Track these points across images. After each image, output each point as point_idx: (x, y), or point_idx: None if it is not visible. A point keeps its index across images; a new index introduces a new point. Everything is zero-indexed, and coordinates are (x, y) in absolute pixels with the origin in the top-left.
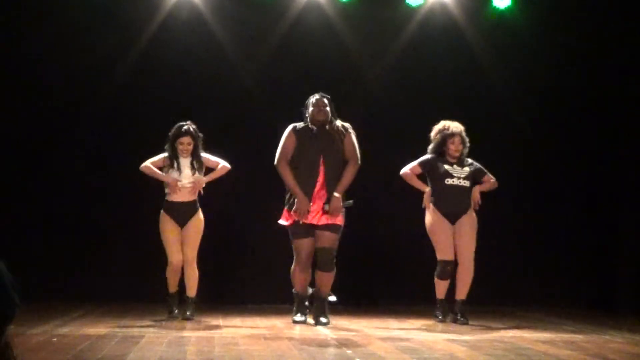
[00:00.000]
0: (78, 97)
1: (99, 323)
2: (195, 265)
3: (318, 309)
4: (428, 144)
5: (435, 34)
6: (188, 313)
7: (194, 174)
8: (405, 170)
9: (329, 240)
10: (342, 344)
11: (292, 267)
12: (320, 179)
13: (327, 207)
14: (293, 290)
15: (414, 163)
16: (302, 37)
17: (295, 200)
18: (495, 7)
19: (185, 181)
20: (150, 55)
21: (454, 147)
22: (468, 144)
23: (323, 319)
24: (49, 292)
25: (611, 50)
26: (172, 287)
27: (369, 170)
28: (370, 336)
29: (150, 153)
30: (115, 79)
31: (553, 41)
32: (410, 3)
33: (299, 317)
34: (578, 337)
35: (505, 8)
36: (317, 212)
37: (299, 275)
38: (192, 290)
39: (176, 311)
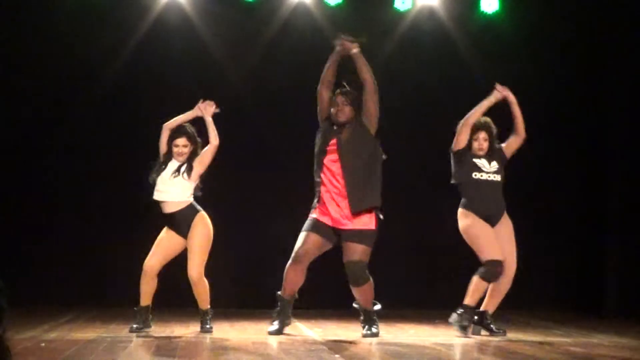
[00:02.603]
0: (67, 101)
1: (87, 328)
2: (201, 281)
3: (364, 321)
4: (416, 148)
5: (423, 38)
6: (208, 326)
7: (175, 177)
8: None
9: (357, 252)
10: (330, 348)
11: (287, 265)
12: (339, 176)
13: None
14: (278, 292)
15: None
16: (291, 41)
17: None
18: (483, 12)
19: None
20: (139, 59)
21: (477, 145)
22: (495, 135)
23: (370, 330)
24: (36, 297)
25: (599, 55)
26: (146, 298)
27: None
28: (358, 340)
29: (141, 157)
30: (104, 84)
31: (540, 46)
32: (398, 7)
33: (273, 327)
34: (566, 341)
35: (493, 13)
36: (340, 216)
37: (289, 272)
38: (204, 303)
39: (135, 326)
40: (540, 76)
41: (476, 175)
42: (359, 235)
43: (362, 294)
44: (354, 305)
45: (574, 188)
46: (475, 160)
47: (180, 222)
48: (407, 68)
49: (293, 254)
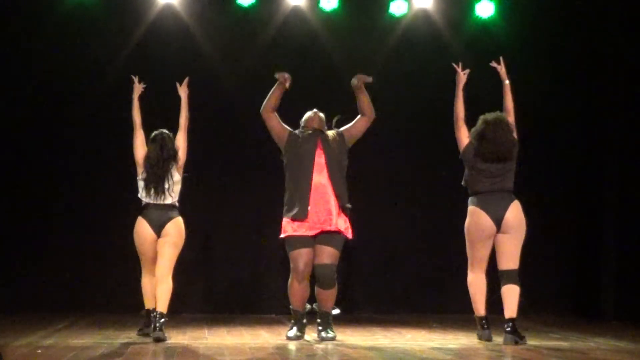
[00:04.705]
0: (63, 107)
1: (84, 334)
2: None
3: (322, 324)
4: (409, 152)
5: (418, 43)
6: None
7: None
8: None
9: (329, 256)
10: (327, 353)
11: (289, 280)
12: (316, 182)
13: (355, 81)
14: (290, 306)
15: None
16: (286, 46)
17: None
18: (478, 16)
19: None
20: (134, 63)
21: None
22: None
23: (328, 334)
24: (33, 304)
25: (593, 59)
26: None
27: (355, 179)
28: (356, 345)
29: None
30: (101, 89)
31: (535, 50)
32: (393, 12)
33: (292, 333)
34: (564, 345)
35: (488, 18)
36: (316, 223)
37: (296, 289)
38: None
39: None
40: (536, 80)
41: None
42: (333, 240)
43: (327, 297)
44: (314, 307)
45: (571, 191)
46: None
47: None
48: (402, 73)
49: (295, 273)
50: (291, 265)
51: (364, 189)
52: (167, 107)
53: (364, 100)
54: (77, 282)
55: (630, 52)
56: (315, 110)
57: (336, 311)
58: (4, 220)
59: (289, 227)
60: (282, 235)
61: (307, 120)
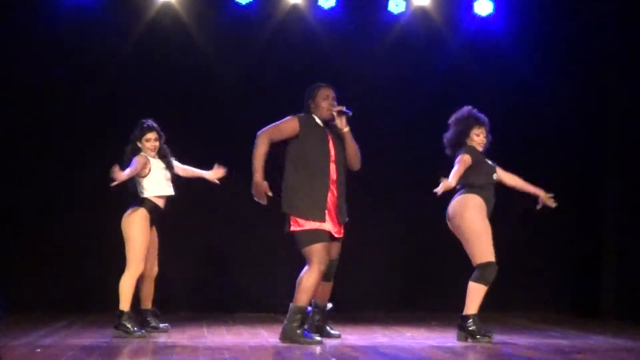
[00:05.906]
0: (62, 107)
1: (83, 334)
2: None
3: (325, 320)
4: (407, 150)
5: (416, 41)
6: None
7: (171, 172)
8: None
9: (338, 251)
10: (327, 352)
11: (308, 275)
12: (333, 182)
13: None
14: (297, 304)
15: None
16: (285, 44)
17: (253, 181)
18: (476, 15)
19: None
20: (133, 62)
21: (480, 140)
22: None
23: (334, 330)
24: (32, 303)
25: (592, 56)
26: (149, 301)
27: (355, 178)
28: (355, 344)
29: None
30: (99, 88)
31: (534, 49)
32: (392, 10)
33: (312, 337)
34: (563, 343)
35: (487, 15)
36: (336, 223)
37: (317, 284)
38: (151, 300)
39: (143, 331)
40: (535, 77)
41: (495, 176)
42: (340, 238)
43: (328, 290)
44: (328, 305)
45: (570, 189)
46: (489, 161)
47: (160, 217)
48: (400, 70)
49: (322, 266)
50: (315, 258)
51: (363, 189)
52: (166, 105)
53: (351, 148)
54: (77, 282)
55: (630, 50)
56: (329, 90)
57: (330, 306)
58: (4, 220)
59: (307, 221)
60: (297, 228)
61: (323, 110)
